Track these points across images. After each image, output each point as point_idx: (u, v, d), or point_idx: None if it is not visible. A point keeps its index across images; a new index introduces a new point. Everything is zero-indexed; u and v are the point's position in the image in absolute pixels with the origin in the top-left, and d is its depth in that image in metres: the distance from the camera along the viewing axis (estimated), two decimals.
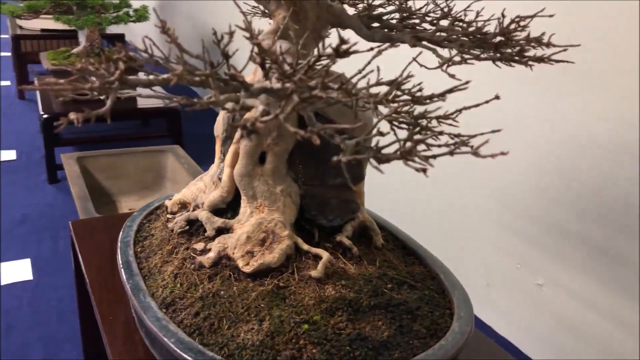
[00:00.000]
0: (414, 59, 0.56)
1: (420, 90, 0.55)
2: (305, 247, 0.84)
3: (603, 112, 1.17)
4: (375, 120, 0.51)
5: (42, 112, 2.44)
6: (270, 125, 0.84)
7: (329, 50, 0.45)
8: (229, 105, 0.46)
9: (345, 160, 0.43)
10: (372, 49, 0.56)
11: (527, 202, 1.38)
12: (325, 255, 0.83)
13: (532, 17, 0.68)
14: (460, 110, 0.55)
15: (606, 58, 1.16)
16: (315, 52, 0.71)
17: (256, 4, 0.93)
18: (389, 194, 1.84)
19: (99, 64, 0.45)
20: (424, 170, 0.42)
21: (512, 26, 0.69)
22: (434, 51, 0.68)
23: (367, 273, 0.84)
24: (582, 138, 1.22)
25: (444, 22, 0.79)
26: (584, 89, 1.21)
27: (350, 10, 0.94)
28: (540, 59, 0.65)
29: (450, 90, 0.52)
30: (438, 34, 0.74)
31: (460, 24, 0.76)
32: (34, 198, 2.34)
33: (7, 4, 2.60)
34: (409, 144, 0.45)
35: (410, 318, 0.77)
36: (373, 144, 0.53)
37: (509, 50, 0.69)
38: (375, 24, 0.82)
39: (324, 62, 0.48)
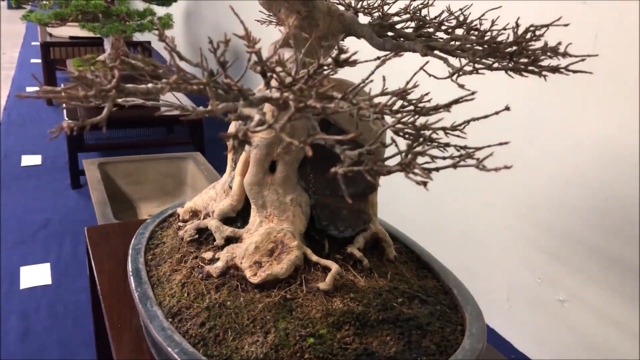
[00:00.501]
0: (421, 68, 0.54)
1: (428, 100, 0.54)
2: (315, 258, 0.83)
3: (630, 124, 1.14)
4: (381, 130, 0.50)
5: (66, 118, 2.48)
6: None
7: (328, 60, 0.44)
8: (231, 116, 0.45)
9: (342, 172, 0.42)
10: (378, 57, 0.55)
11: (549, 215, 1.35)
12: (334, 267, 0.81)
13: (547, 26, 0.66)
14: (468, 122, 0.53)
15: (631, 67, 1.12)
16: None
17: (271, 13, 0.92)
18: (404, 203, 1.82)
19: (96, 71, 0.45)
20: (424, 184, 0.41)
21: (527, 35, 0.67)
22: (445, 60, 0.66)
23: (378, 286, 0.82)
24: (608, 151, 1.19)
25: (459, 31, 0.77)
26: (611, 99, 1.18)
27: (366, 19, 0.93)
28: (555, 69, 0.63)
29: (456, 101, 0.50)
30: (451, 43, 0.73)
31: (475, 32, 0.74)
32: (57, 203, 2.37)
33: (35, 11, 2.65)
34: (409, 155, 0.43)
35: (420, 334, 0.75)
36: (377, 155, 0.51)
37: (524, 60, 0.67)
38: (389, 33, 0.81)
39: (326, 71, 0.47)
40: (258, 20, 0.99)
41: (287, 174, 0.85)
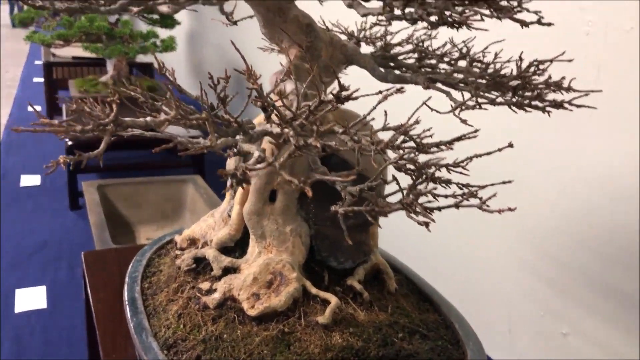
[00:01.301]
0: (424, 103, 0.53)
1: (430, 135, 0.53)
2: (314, 290, 0.81)
3: (630, 155, 1.13)
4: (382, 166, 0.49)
5: (67, 139, 2.47)
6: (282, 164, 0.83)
7: (330, 97, 0.43)
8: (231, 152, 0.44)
9: (343, 212, 0.40)
10: (380, 92, 0.54)
11: (552, 247, 1.34)
12: (333, 300, 0.80)
13: (550, 61, 0.65)
14: (470, 158, 0.52)
15: (631, 99, 1.12)
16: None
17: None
18: (405, 234, 1.80)
19: (94, 105, 0.44)
20: (427, 224, 0.40)
21: (531, 69, 0.67)
22: (448, 94, 0.65)
23: (378, 320, 0.81)
24: (612, 183, 1.18)
25: (462, 63, 0.77)
26: (611, 129, 1.17)
27: (368, 49, 0.92)
28: (559, 105, 0.62)
29: (459, 139, 0.49)
30: (454, 75, 0.72)
31: (479, 65, 0.74)
32: (55, 224, 2.35)
33: (39, 32, 2.67)
34: (411, 195, 0.42)
35: None
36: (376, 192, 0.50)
37: (528, 94, 0.66)
38: (391, 64, 0.80)
39: (327, 108, 0.46)
40: (260, 48, 0.98)
41: (287, 203, 0.84)
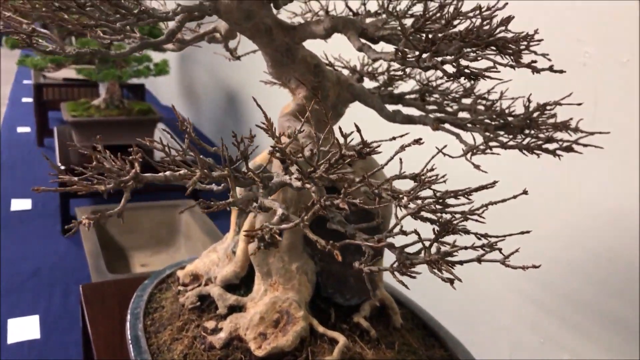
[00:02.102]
0: (440, 151, 0.54)
1: (443, 179, 0.53)
2: (321, 329, 0.81)
3: (630, 187, 1.14)
4: (399, 214, 0.49)
5: (59, 164, 2.46)
6: (287, 199, 0.82)
7: (351, 152, 0.43)
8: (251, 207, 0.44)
9: (368, 271, 0.40)
10: (394, 137, 0.54)
11: (552, 275, 1.34)
12: (341, 339, 0.79)
13: (558, 103, 0.66)
14: (487, 206, 0.52)
15: (630, 131, 1.13)
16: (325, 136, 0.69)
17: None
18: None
19: (114, 162, 0.43)
20: (451, 282, 0.39)
21: (536, 113, 0.67)
22: (457, 136, 0.66)
23: (385, 359, 0.80)
24: (613, 212, 1.19)
25: (466, 100, 0.77)
26: (612, 161, 1.18)
27: (370, 83, 0.93)
28: (569, 149, 0.63)
29: (477, 189, 0.50)
30: (460, 114, 0.72)
31: (484, 102, 0.74)
32: (47, 250, 2.32)
33: (31, 57, 2.65)
34: (434, 249, 0.42)
35: None
36: (396, 241, 0.50)
37: (537, 137, 0.66)
38: (398, 103, 0.81)
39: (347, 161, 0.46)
40: (263, 81, 0.99)
41: (293, 241, 0.84)
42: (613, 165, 1.18)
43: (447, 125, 0.69)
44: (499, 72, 0.52)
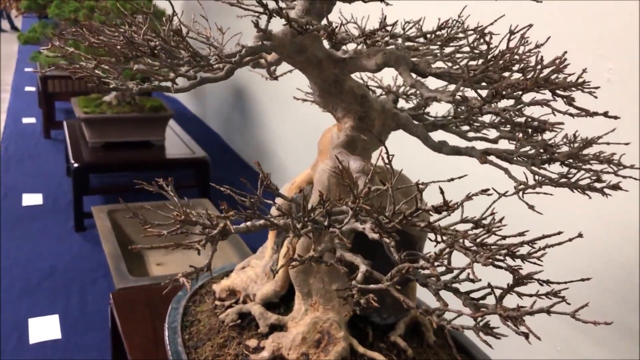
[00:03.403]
0: (501, 197, 0.55)
1: (501, 223, 0.55)
2: (361, 349, 0.83)
3: (633, 196, 1.16)
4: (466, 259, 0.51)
5: (72, 162, 2.47)
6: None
7: (428, 206, 0.45)
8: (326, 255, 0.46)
9: (450, 328, 0.42)
10: (452, 179, 0.56)
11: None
12: (381, 359, 0.81)
13: (599, 137, 0.68)
14: (544, 249, 0.54)
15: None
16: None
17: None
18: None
19: (198, 215, 0.45)
20: (526, 336, 0.41)
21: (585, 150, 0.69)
22: (506, 171, 0.67)
23: None
24: (631, 230, 1.21)
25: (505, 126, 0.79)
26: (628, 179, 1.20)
27: (406, 104, 0.94)
28: (616, 187, 0.65)
29: (541, 238, 0.51)
30: (507, 144, 0.74)
31: (528, 131, 0.76)
32: (61, 248, 2.34)
33: (44, 53, 2.65)
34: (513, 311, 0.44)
35: None
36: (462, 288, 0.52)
37: (584, 169, 0.68)
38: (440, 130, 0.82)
39: (420, 213, 0.48)
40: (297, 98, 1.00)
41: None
42: (629, 181, 1.20)
43: (493, 158, 0.71)
44: (554, 116, 0.54)
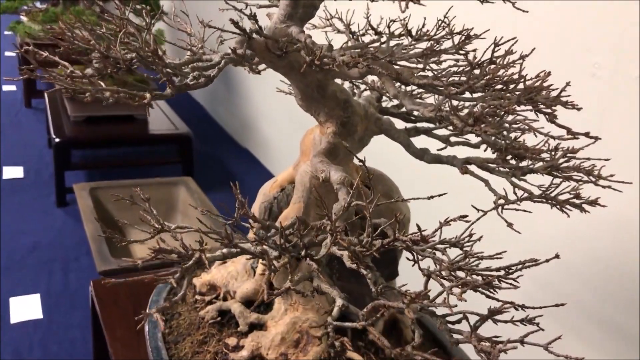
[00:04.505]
0: (483, 212, 0.55)
1: (477, 239, 0.55)
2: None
3: (630, 197, 1.17)
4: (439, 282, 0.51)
5: (54, 136, 2.43)
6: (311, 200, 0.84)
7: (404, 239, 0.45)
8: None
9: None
10: (431, 197, 0.56)
11: (557, 282, 1.38)
12: (359, 359, 0.82)
13: (581, 148, 0.68)
14: (520, 268, 0.55)
15: (632, 149, 1.15)
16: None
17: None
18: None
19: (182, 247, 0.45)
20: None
21: (560, 157, 0.69)
22: (487, 183, 0.67)
23: None
24: (614, 226, 1.22)
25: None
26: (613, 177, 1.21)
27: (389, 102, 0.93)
28: (594, 202, 0.65)
29: (517, 264, 0.52)
30: (487, 152, 0.74)
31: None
32: (44, 223, 2.32)
33: (22, 23, 2.59)
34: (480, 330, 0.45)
35: None
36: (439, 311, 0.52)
37: (564, 179, 0.68)
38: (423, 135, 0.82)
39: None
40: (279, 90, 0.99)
41: None
42: (617, 175, 1.21)
43: (474, 168, 0.71)
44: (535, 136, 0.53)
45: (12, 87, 4.44)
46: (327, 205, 0.81)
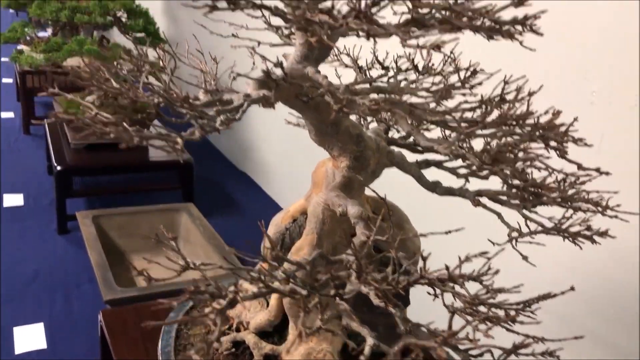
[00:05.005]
0: (500, 246, 0.57)
1: (495, 273, 0.56)
2: None
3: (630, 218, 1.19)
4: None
5: (55, 164, 2.44)
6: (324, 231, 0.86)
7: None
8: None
9: None
10: (449, 232, 0.57)
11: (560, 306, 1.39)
12: None
13: (588, 174, 0.70)
14: (537, 300, 0.56)
15: (632, 162, 1.17)
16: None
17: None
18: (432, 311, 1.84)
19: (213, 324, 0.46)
20: None
21: (571, 191, 0.71)
22: (499, 216, 0.69)
23: None
24: (615, 249, 1.24)
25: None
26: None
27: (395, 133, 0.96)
28: (604, 234, 0.67)
29: (536, 298, 0.53)
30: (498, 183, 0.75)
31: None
32: (45, 251, 2.32)
33: (25, 54, 2.61)
34: None
35: None
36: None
37: (574, 209, 0.70)
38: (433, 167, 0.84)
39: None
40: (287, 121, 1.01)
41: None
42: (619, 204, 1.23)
43: (486, 200, 0.72)
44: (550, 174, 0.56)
45: (10, 114, 4.46)
46: (342, 237, 0.82)
